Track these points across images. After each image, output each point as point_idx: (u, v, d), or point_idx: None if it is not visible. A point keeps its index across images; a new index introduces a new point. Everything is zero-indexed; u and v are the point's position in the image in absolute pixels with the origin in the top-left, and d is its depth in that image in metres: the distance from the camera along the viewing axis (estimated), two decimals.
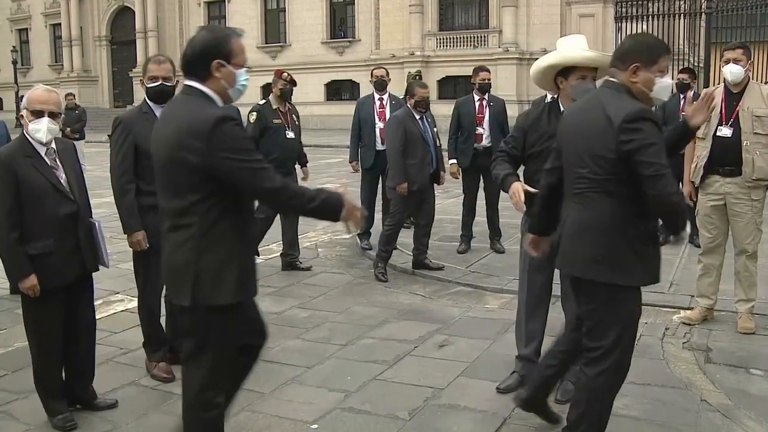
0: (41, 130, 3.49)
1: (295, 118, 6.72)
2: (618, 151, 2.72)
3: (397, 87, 9.04)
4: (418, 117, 6.42)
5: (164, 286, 4.22)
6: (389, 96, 7.51)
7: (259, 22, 33.66)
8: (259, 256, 5.81)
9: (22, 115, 3.53)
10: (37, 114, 3.49)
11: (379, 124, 7.35)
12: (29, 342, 3.68)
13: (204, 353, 2.67)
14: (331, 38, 32.12)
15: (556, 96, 3.80)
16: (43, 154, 3.55)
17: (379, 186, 7.51)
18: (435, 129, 6.71)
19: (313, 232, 8.33)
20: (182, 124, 2.56)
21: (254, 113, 6.50)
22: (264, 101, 6.71)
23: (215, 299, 2.60)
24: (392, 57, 28.47)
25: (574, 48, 3.61)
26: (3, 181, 3.42)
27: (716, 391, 3.84)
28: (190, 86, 2.65)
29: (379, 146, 7.29)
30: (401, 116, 6.41)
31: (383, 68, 7.78)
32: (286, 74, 6.65)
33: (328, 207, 2.64)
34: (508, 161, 3.76)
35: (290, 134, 6.60)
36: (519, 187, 3.49)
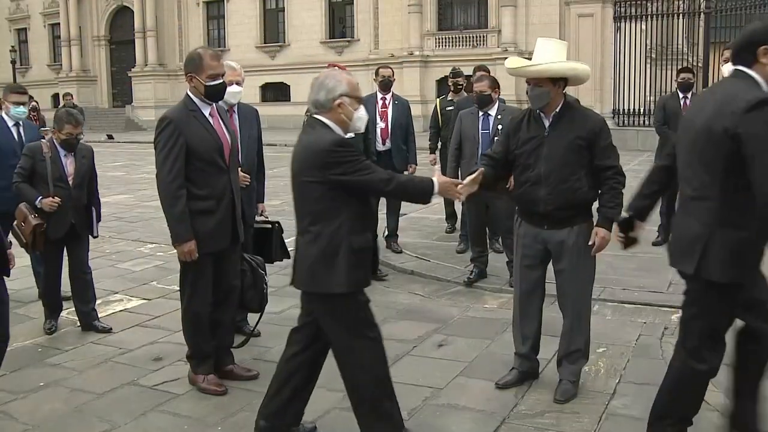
0: (363, 118, 3.18)
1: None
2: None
3: (396, 87, 8.93)
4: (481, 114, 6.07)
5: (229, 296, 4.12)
6: (392, 96, 7.16)
7: (258, 21, 33.63)
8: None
9: (341, 104, 3.03)
10: (361, 101, 3.16)
11: (380, 124, 7.01)
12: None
13: (701, 319, 2.91)
14: (330, 38, 32.14)
15: None
16: None
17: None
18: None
19: None
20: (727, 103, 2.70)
21: None
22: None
23: (717, 276, 2.77)
24: (391, 57, 28.45)
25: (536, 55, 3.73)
26: None
27: (715, 391, 3.83)
28: (737, 69, 2.80)
29: (380, 146, 6.98)
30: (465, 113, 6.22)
31: (389, 68, 7.41)
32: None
33: None
34: (490, 164, 3.81)
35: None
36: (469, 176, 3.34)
